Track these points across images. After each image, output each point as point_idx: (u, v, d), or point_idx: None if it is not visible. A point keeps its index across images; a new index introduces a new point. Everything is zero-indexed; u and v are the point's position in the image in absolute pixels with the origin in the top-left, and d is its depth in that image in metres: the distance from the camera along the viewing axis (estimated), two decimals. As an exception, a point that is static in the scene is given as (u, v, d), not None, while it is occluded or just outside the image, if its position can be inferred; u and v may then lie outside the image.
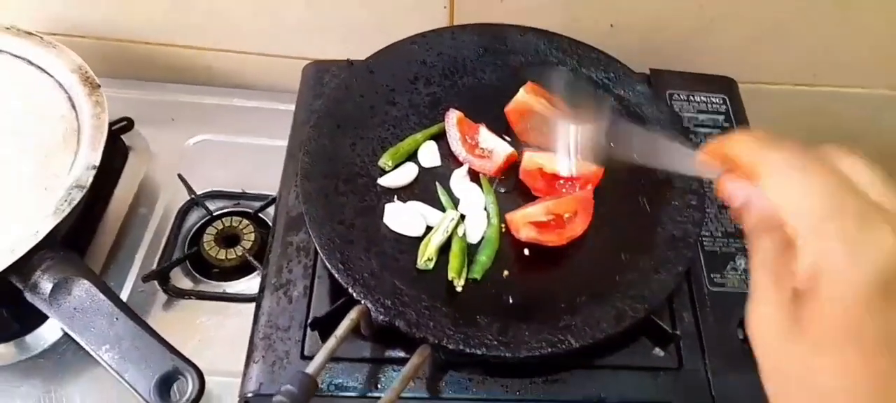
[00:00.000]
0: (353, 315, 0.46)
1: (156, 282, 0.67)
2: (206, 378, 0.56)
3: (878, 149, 0.90)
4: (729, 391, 0.53)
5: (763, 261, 0.33)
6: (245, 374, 0.52)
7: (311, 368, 0.42)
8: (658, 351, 0.54)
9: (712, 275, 0.58)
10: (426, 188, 0.58)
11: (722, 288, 0.58)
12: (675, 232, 0.56)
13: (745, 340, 0.55)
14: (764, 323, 0.32)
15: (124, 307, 0.57)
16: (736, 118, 0.69)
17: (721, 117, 0.68)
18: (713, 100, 0.69)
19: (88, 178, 0.62)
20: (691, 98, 0.69)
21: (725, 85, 0.71)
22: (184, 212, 0.73)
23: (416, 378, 0.51)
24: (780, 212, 0.30)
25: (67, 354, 0.64)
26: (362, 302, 0.48)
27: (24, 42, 0.71)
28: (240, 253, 0.69)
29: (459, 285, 0.52)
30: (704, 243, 0.60)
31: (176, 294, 0.67)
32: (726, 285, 0.58)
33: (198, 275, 0.70)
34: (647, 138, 0.50)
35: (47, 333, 0.65)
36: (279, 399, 0.39)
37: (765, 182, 0.31)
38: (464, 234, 0.55)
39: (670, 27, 0.76)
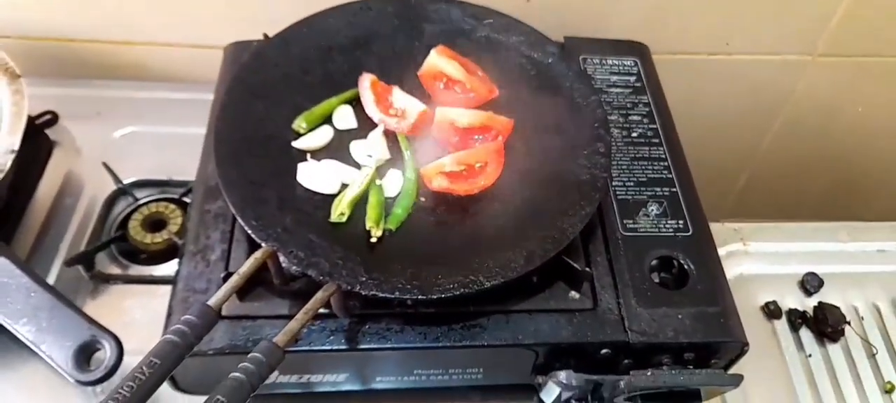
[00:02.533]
0: (258, 254, 0.46)
1: (81, 268, 0.67)
2: (133, 358, 0.55)
3: (792, 116, 0.95)
4: (642, 325, 0.54)
5: None
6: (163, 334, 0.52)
7: (212, 300, 0.43)
8: (574, 294, 0.56)
9: (625, 221, 0.60)
10: (341, 149, 0.59)
11: (634, 233, 0.59)
12: (582, 177, 0.57)
13: (659, 280, 0.58)
14: None
15: (41, 281, 0.57)
16: (648, 80, 0.71)
17: (632, 77, 0.71)
18: (625, 62, 0.72)
19: (7, 162, 0.62)
20: (603, 61, 0.72)
21: (637, 49, 0.74)
22: (110, 201, 0.73)
23: (334, 332, 0.52)
24: None
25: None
26: (271, 248, 0.49)
27: (-58, 37, 0.71)
28: (166, 237, 0.69)
29: (376, 234, 0.53)
30: (617, 192, 0.62)
31: (102, 279, 0.67)
32: (638, 229, 0.59)
33: (125, 261, 0.69)
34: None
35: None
36: (176, 328, 0.40)
37: None
38: (380, 186, 0.56)
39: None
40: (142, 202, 0.72)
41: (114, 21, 0.80)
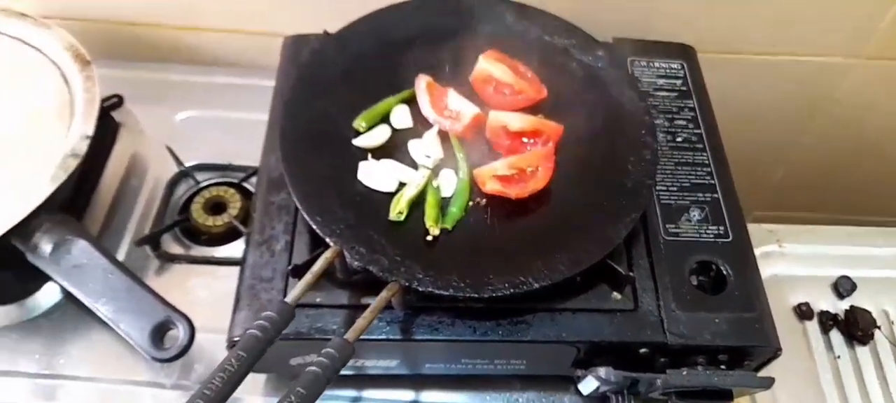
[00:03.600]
0: (327, 254, 0.50)
1: (148, 248, 0.71)
2: (201, 335, 0.60)
3: (834, 120, 0.96)
4: (680, 328, 0.57)
5: None
6: (232, 321, 0.56)
7: (289, 297, 0.47)
8: (616, 295, 0.59)
9: (667, 226, 0.62)
10: (399, 148, 0.63)
11: (676, 238, 0.62)
12: (629, 183, 0.60)
13: (699, 284, 0.60)
14: None
15: (119, 264, 0.62)
16: (694, 84, 0.73)
17: (679, 81, 0.72)
18: (672, 65, 0.74)
19: (83, 147, 0.66)
20: (651, 64, 0.73)
21: (684, 51, 0.75)
22: (173, 183, 0.77)
23: (390, 323, 0.55)
24: None
25: (66, 315, 0.67)
26: (339, 248, 0.52)
27: (17, 23, 0.75)
28: (227, 220, 0.73)
29: (434, 233, 0.56)
30: (661, 197, 0.64)
31: (167, 258, 0.71)
32: (680, 234, 0.62)
33: (187, 241, 0.73)
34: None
35: (46, 296, 0.68)
36: (259, 324, 0.44)
37: None
38: (438, 187, 0.59)
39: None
40: (203, 185, 0.76)
41: (175, 6, 0.83)
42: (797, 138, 0.99)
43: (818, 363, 0.71)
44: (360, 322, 0.47)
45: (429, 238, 0.56)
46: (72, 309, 0.67)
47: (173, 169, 0.78)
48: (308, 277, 0.48)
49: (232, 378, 0.40)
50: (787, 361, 0.66)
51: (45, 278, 0.67)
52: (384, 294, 0.49)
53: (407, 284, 0.53)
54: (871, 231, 0.79)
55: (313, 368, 0.42)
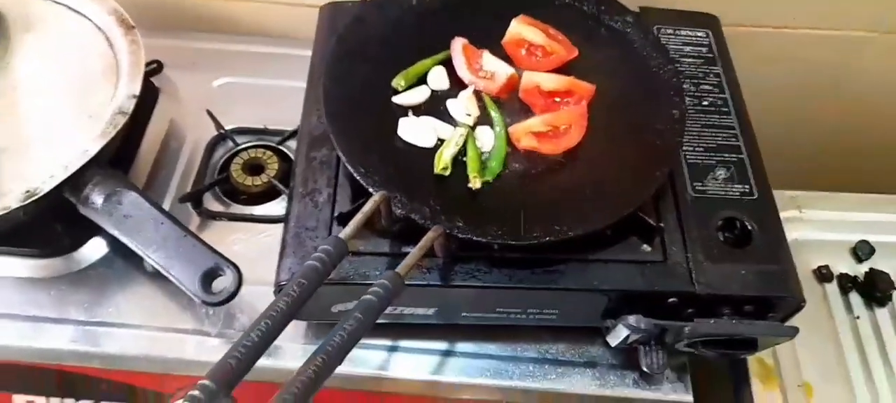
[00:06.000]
0: (376, 197, 0.53)
1: (190, 205, 0.74)
2: (245, 286, 0.62)
3: (853, 93, 0.98)
4: (708, 279, 0.59)
5: None
6: (279, 267, 0.59)
7: (343, 233, 0.49)
8: (646, 247, 0.61)
9: (694, 183, 0.65)
10: (436, 107, 0.65)
11: (703, 194, 0.64)
12: (658, 141, 0.62)
13: (724, 239, 0.63)
14: None
15: (168, 214, 0.64)
16: (719, 51, 0.75)
17: (704, 49, 0.75)
18: (697, 33, 0.76)
19: (130, 105, 0.69)
20: (677, 32, 0.76)
21: (708, 20, 0.77)
22: (212, 146, 0.80)
23: (429, 270, 0.58)
24: None
25: (111, 269, 0.70)
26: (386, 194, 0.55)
27: (63, -11, 0.78)
28: (265, 180, 0.76)
29: (476, 185, 0.59)
30: (687, 157, 0.66)
31: (209, 216, 0.74)
32: (707, 192, 0.64)
33: (227, 200, 0.76)
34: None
35: (93, 250, 0.71)
36: (318, 256, 0.46)
37: None
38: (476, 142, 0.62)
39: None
40: (241, 147, 0.79)
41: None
42: (817, 115, 1.01)
43: (838, 323, 0.74)
44: (409, 259, 0.50)
45: (471, 186, 0.59)
46: (117, 262, 0.70)
47: (211, 132, 0.81)
48: (359, 217, 0.51)
49: (294, 303, 0.43)
50: (808, 320, 0.68)
51: (92, 233, 0.70)
52: (430, 234, 0.52)
53: (448, 231, 0.55)
54: (890, 198, 0.81)
55: (368, 297, 0.45)
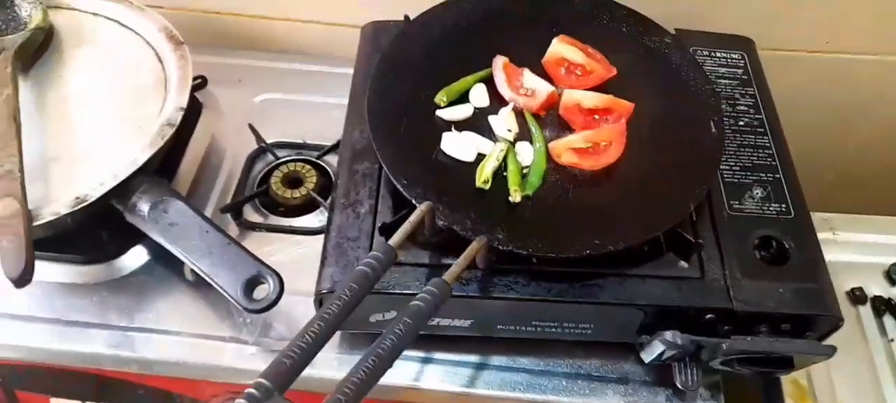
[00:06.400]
0: (422, 207, 0.54)
1: (230, 215, 0.76)
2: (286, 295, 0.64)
3: (885, 118, 0.98)
4: (746, 296, 0.59)
5: None
6: (320, 276, 0.60)
7: (392, 240, 0.50)
8: (683, 264, 0.61)
9: (731, 202, 0.65)
10: (478, 123, 0.66)
11: (740, 213, 0.64)
12: (696, 159, 0.63)
13: (761, 256, 0.63)
14: None
15: (212, 223, 0.66)
16: (754, 73, 0.76)
17: (740, 70, 0.76)
18: (732, 55, 0.77)
19: (178, 118, 0.71)
20: (712, 53, 0.77)
21: (744, 43, 0.78)
22: (252, 159, 0.82)
23: (469, 282, 0.59)
24: None
25: (152, 276, 0.72)
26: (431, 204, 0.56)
27: (116, 6, 0.81)
28: (304, 193, 0.77)
29: (516, 198, 0.60)
30: (724, 175, 0.67)
31: (248, 226, 0.76)
32: (744, 210, 0.65)
33: (265, 212, 0.78)
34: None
35: (134, 258, 0.73)
36: (368, 261, 0.47)
37: None
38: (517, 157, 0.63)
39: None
40: (281, 161, 0.81)
41: (258, -2, 0.89)
42: (849, 139, 1.01)
43: (872, 345, 0.73)
44: (455, 268, 0.50)
45: (511, 200, 0.60)
46: (158, 270, 0.72)
47: (251, 147, 0.83)
48: (406, 225, 0.52)
49: (345, 307, 0.44)
50: (842, 342, 0.68)
51: (134, 241, 0.72)
52: (474, 244, 0.53)
53: (491, 243, 0.56)
54: (924, 221, 0.81)
55: (417, 302, 0.46)
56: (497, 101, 0.68)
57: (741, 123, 0.71)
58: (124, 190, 0.66)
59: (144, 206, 0.66)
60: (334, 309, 0.43)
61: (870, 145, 1.01)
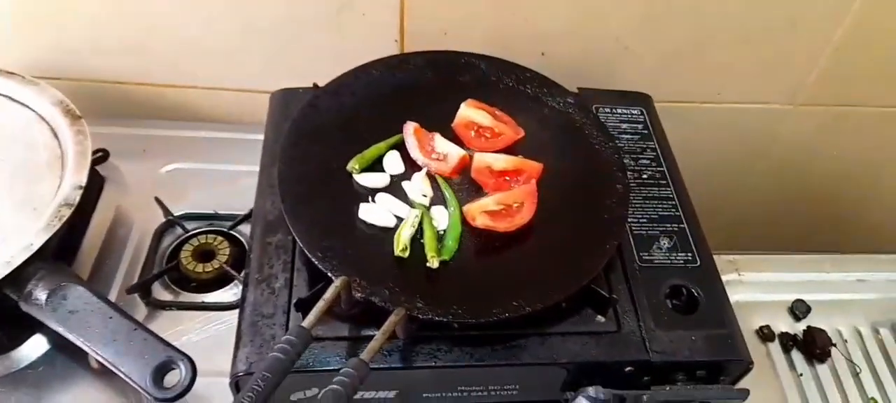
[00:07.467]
0: (337, 283, 0.53)
1: (138, 295, 0.72)
2: (200, 378, 0.60)
3: (776, 160, 1.04)
4: (662, 346, 0.61)
5: None
6: (235, 358, 0.58)
7: (305, 322, 0.49)
8: (600, 318, 0.63)
9: (641, 253, 0.67)
10: (393, 190, 0.66)
11: (650, 264, 0.67)
12: (606, 216, 0.65)
13: (673, 306, 0.65)
14: None
15: (117, 307, 0.62)
16: (653, 127, 0.79)
17: (640, 125, 0.79)
18: (632, 111, 0.80)
19: (76, 197, 0.67)
20: (614, 110, 0.80)
21: (642, 99, 0.82)
22: (160, 233, 0.79)
23: (390, 353, 0.58)
24: None
25: (52, 367, 0.67)
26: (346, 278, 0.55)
27: (6, 81, 0.77)
28: (216, 266, 0.75)
29: (434, 264, 0.60)
30: (633, 228, 0.69)
31: (158, 305, 0.72)
32: (653, 261, 0.67)
33: (176, 288, 0.75)
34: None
35: (33, 348, 0.68)
36: (282, 347, 0.46)
37: None
38: (433, 221, 0.63)
39: (592, 55, 0.88)
40: (191, 233, 0.78)
41: (161, 65, 0.86)
42: (745, 181, 1.07)
43: (783, 381, 0.77)
44: (373, 344, 0.49)
45: (429, 265, 0.59)
46: (60, 360, 0.68)
47: (159, 220, 0.79)
48: (321, 304, 0.51)
49: (258, 397, 0.42)
50: (755, 380, 0.71)
51: (32, 330, 0.68)
52: (392, 318, 0.52)
53: (410, 312, 0.55)
54: (822, 258, 0.86)
55: (334, 387, 0.45)
56: (410, 167, 0.68)
57: (645, 176, 0.74)
58: (18, 277, 0.62)
59: (41, 294, 0.62)
60: (247, 401, 0.41)
61: (766, 185, 1.08)
